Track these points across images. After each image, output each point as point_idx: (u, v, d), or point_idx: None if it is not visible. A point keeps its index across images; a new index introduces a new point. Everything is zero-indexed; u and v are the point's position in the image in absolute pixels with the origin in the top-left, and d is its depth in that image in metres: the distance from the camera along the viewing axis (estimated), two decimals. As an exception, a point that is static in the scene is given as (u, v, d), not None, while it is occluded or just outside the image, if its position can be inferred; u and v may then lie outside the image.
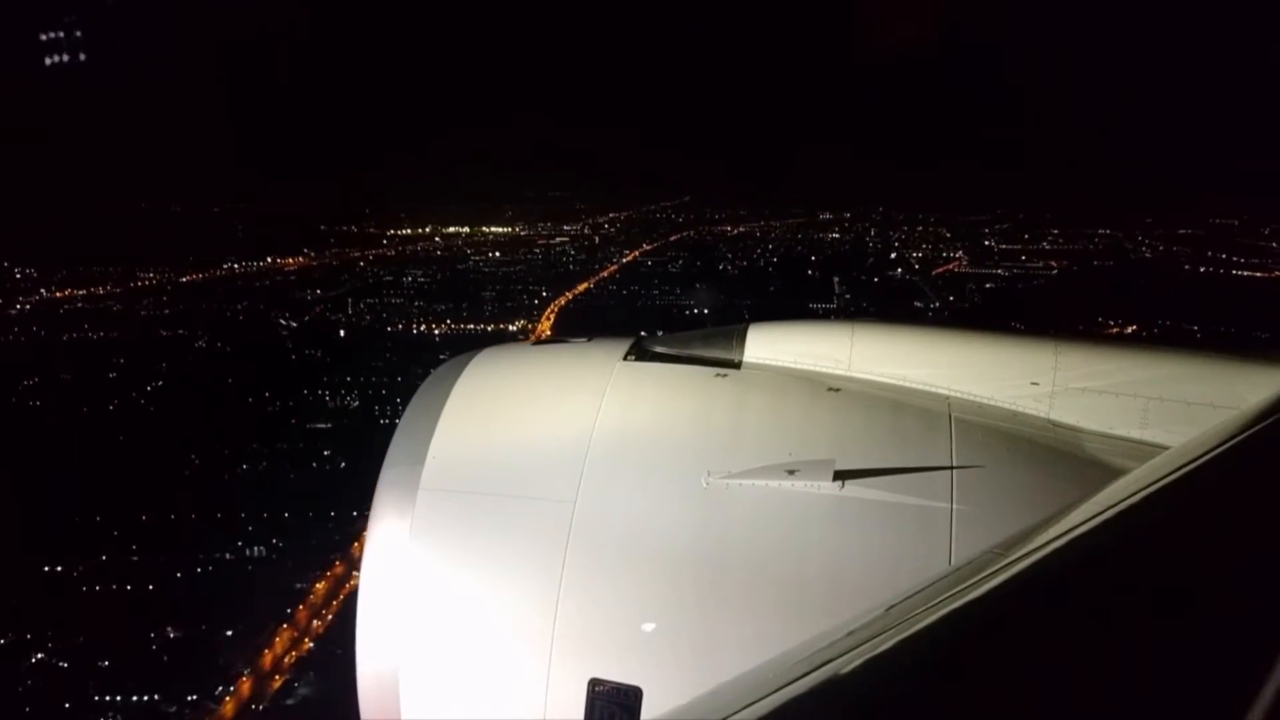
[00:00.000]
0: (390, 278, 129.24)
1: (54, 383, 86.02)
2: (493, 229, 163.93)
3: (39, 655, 50.19)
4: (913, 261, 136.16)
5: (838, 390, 3.52)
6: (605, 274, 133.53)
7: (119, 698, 47.30)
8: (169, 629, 51.65)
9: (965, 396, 3.53)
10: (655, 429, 3.31)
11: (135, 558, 58.90)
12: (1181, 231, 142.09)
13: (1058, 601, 1.72)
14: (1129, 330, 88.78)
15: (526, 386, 3.66)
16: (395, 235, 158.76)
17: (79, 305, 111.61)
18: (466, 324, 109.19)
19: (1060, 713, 1.38)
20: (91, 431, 75.45)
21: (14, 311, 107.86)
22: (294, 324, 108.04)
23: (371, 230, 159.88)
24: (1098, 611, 1.64)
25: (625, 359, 3.70)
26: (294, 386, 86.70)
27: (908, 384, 3.60)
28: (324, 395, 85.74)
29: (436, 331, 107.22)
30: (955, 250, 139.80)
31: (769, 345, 3.79)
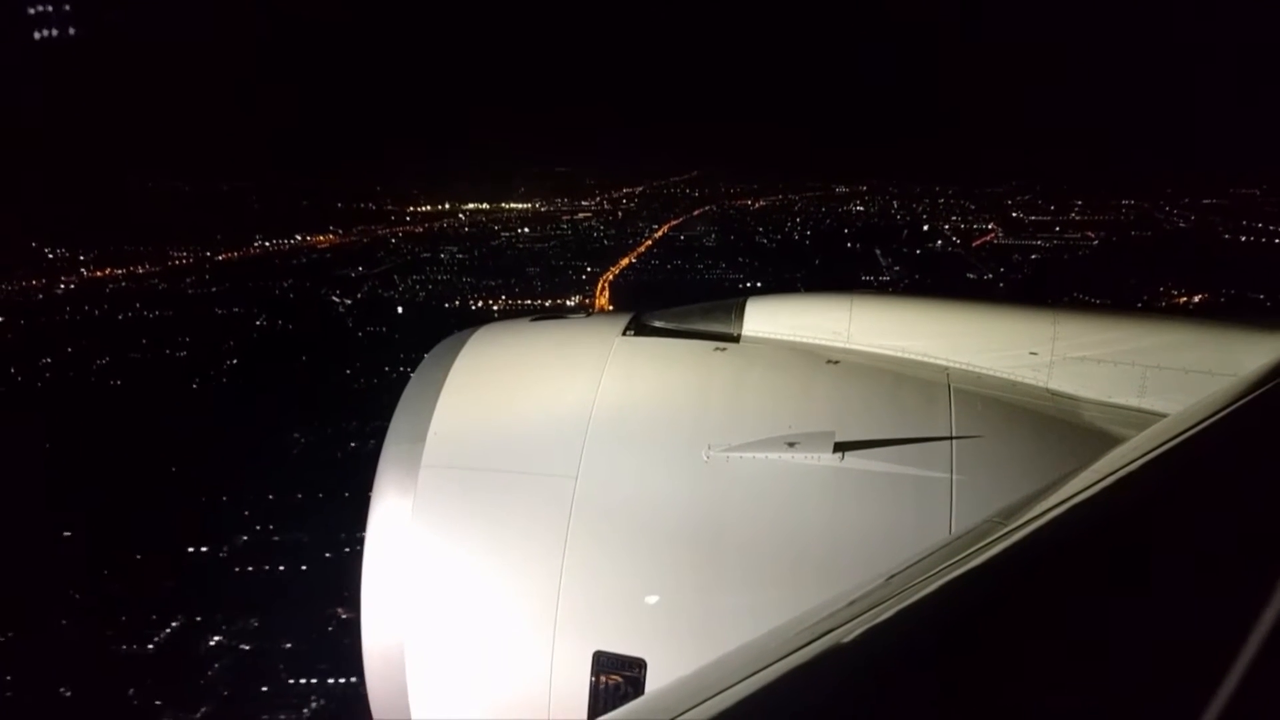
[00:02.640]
0: (427, 254, 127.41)
1: (126, 363, 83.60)
2: (513, 205, 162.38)
3: (216, 639, 48.67)
4: (948, 233, 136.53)
5: (837, 362, 3.52)
6: (642, 249, 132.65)
7: (314, 680, 45.88)
8: (340, 610, 50.23)
9: (964, 367, 3.55)
10: (655, 403, 3.31)
11: (275, 538, 57.34)
12: (1206, 201, 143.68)
13: (1056, 568, 1.72)
14: (1198, 299, 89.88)
15: (526, 362, 3.66)
16: (415, 212, 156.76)
17: (122, 284, 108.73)
18: (522, 299, 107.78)
19: (1060, 678, 1.38)
20: (185, 411, 73.50)
21: (60, 291, 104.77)
22: (348, 301, 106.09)
23: (389, 208, 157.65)
24: (1096, 578, 1.65)
25: (624, 334, 3.70)
26: (372, 364, 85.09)
27: (907, 355, 3.61)
28: (407, 373, 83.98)
29: (495, 307, 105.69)
30: (986, 222, 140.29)
31: (767, 319, 3.79)
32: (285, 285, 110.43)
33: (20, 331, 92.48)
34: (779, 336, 3.75)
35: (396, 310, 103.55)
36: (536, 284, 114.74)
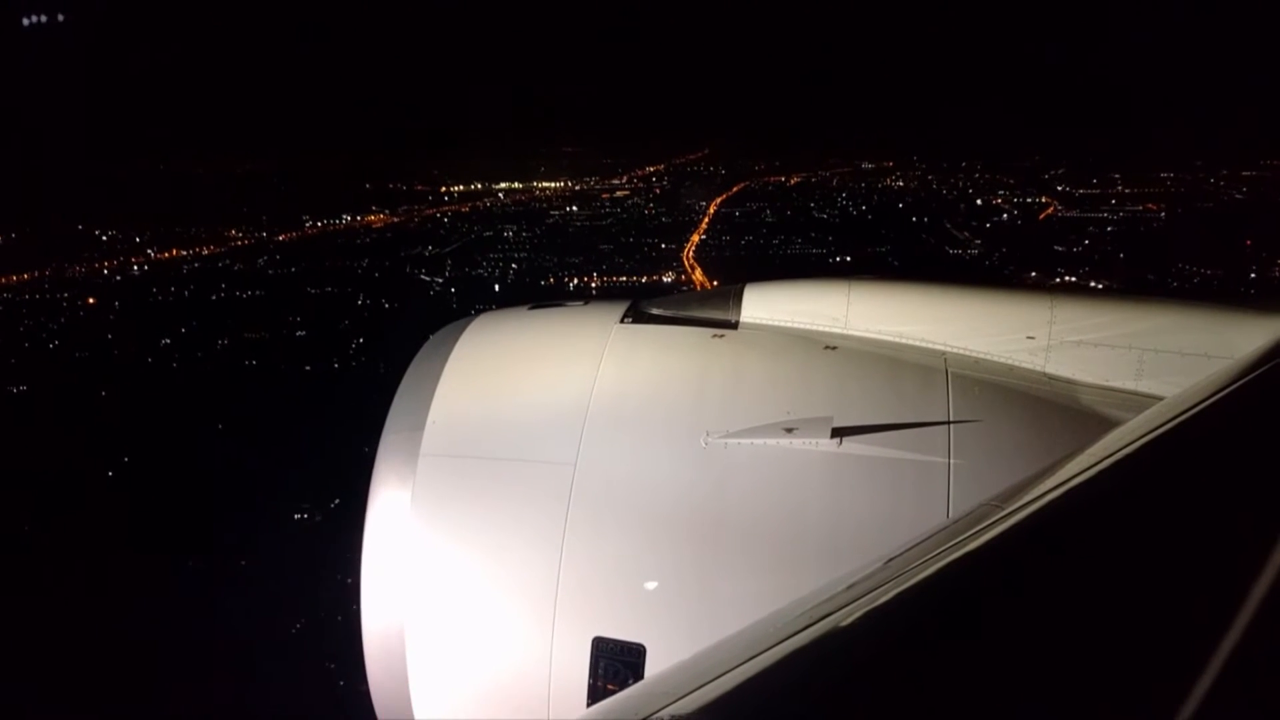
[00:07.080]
0: (489, 233, 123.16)
1: (248, 343, 78.78)
2: (545, 184, 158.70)
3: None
4: (1005, 207, 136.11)
5: (835, 348, 3.52)
6: (704, 225, 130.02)
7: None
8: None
9: (962, 352, 3.54)
10: (653, 390, 3.32)
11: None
12: (1245, 173, 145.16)
13: (1054, 551, 1.74)
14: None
15: (524, 350, 3.64)
16: (451, 192, 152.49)
17: (195, 265, 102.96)
18: (614, 276, 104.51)
19: (1058, 659, 1.38)
20: (341, 391, 69.25)
21: (135, 272, 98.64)
22: (438, 280, 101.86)
23: (420, 188, 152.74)
24: (1093, 561, 1.65)
25: (622, 321, 3.67)
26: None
27: (905, 340, 3.60)
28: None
29: (594, 285, 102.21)
30: (1039, 196, 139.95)
31: (765, 305, 3.76)
32: (364, 265, 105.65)
33: (119, 313, 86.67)
34: (777, 323, 3.70)
35: (494, 289, 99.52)
36: (619, 260, 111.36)
